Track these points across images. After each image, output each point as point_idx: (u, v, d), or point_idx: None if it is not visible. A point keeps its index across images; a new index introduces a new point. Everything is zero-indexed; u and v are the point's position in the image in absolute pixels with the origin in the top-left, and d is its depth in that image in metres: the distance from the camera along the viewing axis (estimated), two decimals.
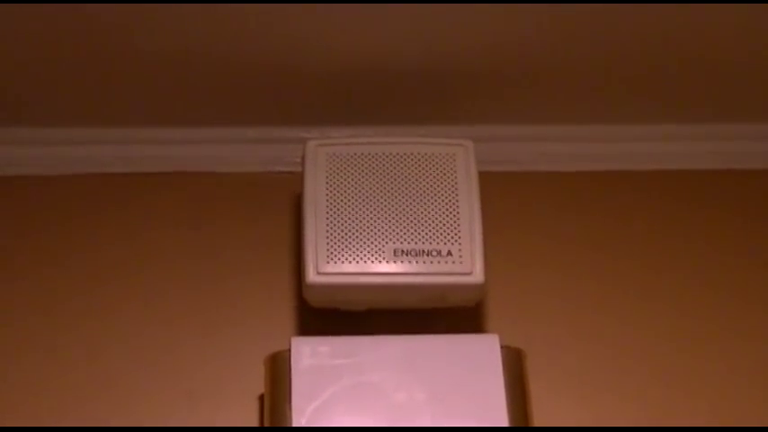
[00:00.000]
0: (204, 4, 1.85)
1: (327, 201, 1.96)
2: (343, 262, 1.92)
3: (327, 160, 1.99)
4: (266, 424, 1.87)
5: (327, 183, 1.97)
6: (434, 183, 1.98)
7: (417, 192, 1.98)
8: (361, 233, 1.94)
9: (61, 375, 2.01)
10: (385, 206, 1.96)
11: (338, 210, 1.95)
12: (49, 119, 2.13)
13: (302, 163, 2.00)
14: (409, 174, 1.99)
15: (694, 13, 1.92)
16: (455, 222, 1.96)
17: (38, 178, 2.15)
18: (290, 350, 1.87)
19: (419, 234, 1.95)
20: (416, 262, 1.93)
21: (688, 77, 2.09)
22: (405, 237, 1.94)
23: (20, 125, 2.14)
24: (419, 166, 2.00)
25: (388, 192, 1.97)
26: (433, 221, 1.95)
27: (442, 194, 1.98)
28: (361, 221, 1.95)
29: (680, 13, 1.92)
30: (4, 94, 2.06)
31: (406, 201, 1.97)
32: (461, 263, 1.93)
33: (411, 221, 1.95)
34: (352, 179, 1.98)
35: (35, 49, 1.96)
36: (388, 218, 1.95)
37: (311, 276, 1.92)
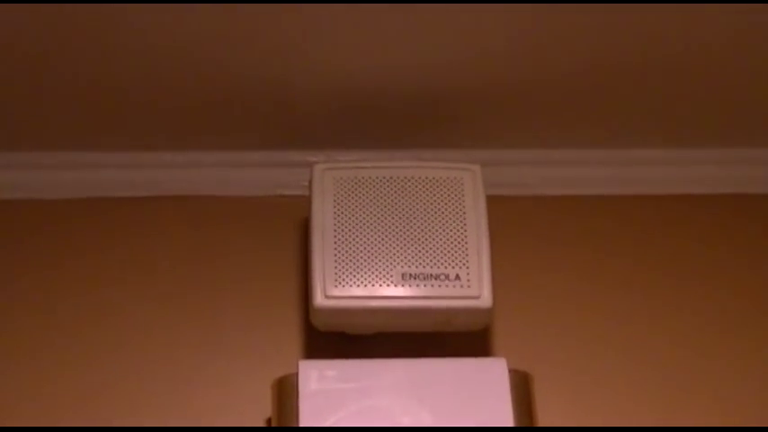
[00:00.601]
0: (210, 27, 1.86)
1: (335, 224, 1.96)
2: (350, 285, 1.92)
3: (335, 184, 1.99)
4: None
5: (335, 206, 1.97)
6: (442, 207, 1.98)
7: (425, 216, 1.97)
8: (368, 257, 1.94)
9: (64, 399, 2.01)
10: (393, 230, 1.96)
11: (346, 233, 1.95)
12: (52, 143, 2.13)
13: (309, 187, 2.00)
14: (417, 198, 1.99)
15: (707, 38, 1.93)
16: (463, 246, 1.95)
17: (39, 202, 2.15)
18: (297, 374, 1.86)
19: (427, 258, 1.94)
20: (424, 286, 1.93)
21: (697, 102, 2.09)
22: (412, 261, 1.94)
23: (17, 150, 2.14)
24: (427, 190, 1.99)
25: (396, 215, 1.97)
26: (441, 245, 1.95)
27: (450, 218, 1.97)
28: (368, 245, 1.95)
29: (692, 39, 1.92)
30: (5, 117, 2.06)
31: (414, 224, 1.96)
32: (469, 287, 1.93)
33: (419, 245, 1.95)
34: (360, 203, 1.98)
35: (32, 72, 1.95)
36: (395, 241, 1.95)
37: (319, 300, 1.91)
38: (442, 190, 2.00)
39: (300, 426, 1.82)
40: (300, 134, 2.14)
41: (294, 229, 2.14)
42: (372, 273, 1.93)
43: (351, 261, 1.93)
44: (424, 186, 2.00)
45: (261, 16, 1.84)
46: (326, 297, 1.91)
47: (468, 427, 1.82)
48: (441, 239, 1.96)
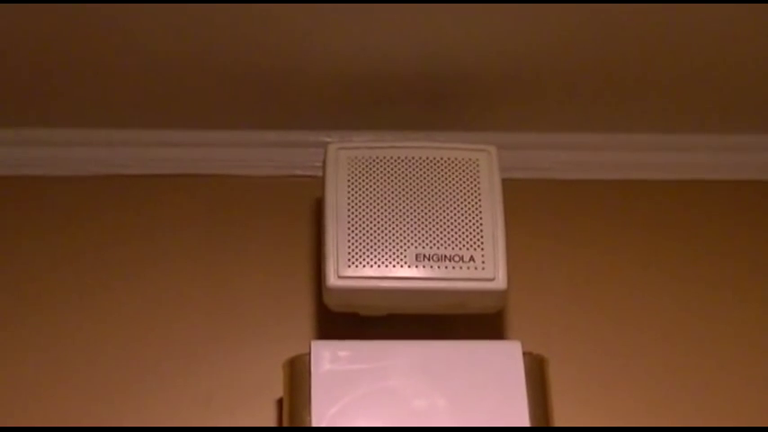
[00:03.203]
0: (226, 5, 1.85)
1: (349, 204, 1.94)
2: (364, 266, 1.91)
3: (349, 164, 1.98)
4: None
5: (349, 186, 1.96)
6: (457, 188, 1.97)
7: (440, 197, 1.96)
8: (382, 237, 1.92)
9: (76, 378, 2.00)
10: (407, 210, 1.94)
11: (359, 213, 1.94)
12: (62, 120, 2.13)
13: (323, 167, 1.99)
14: (432, 178, 1.97)
15: (720, 25, 1.91)
16: (478, 228, 1.94)
17: (53, 179, 2.14)
18: (309, 354, 1.85)
19: (441, 239, 1.93)
20: (438, 267, 1.91)
21: (713, 86, 2.07)
22: (427, 241, 1.93)
23: (30, 126, 2.13)
24: (442, 170, 1.98)
25: (411, 196, 1.96)
26: (456, 227, 1.94)
27: (465, 200, 1.96)
28: (382, 225, 1.93)
29: (707, 24, 1.91)
30: (20, 94, 2.05)
31: (429, 205, 1.95)
32: (484, 269, 1.92)
33: (433, 226, 1.94)
34: (374, 183, 1.96)
35: (49, 50, 1.95)
36: (409, 222, 1.94)
37: (332, 280, 1.90)
38: (457, 171, 1.98)
39: (312, 406, 1.81)
40: (315, 114, 2.13)
41: (308, 209, 2.13)
42: (386, 253, 1.91)
43: (364, 241, 1.92)
44: (439, 167, 1.98)
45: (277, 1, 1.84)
46: (339, 277, 1.90)
47: (480, 428, 1.81)
48: (455, 221, 1.94)
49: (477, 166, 1.99)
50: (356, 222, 1.93)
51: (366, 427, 1.80)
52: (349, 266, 1.91)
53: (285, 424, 1.85)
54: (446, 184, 1.97)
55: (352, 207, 1.94)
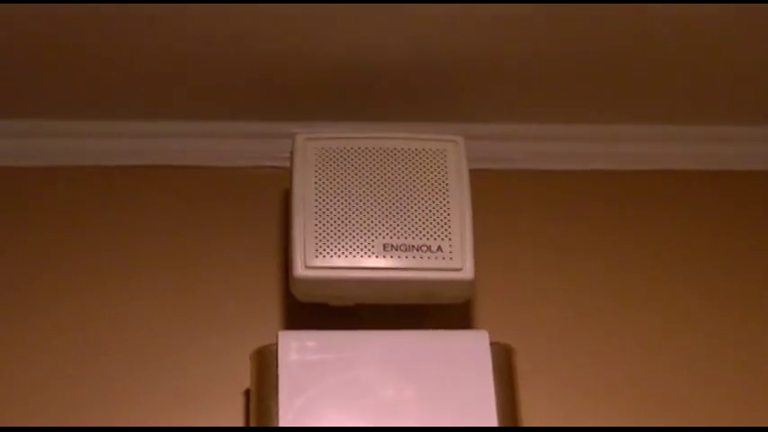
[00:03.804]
0: (196, 3, 1.84)
1: (316, 195, 1.94)
2: (331, 256, 1.90)
3: (316, 155, 1.98)
4: (252, 419, 1.85)
5: (316, 177, 1.96)
6: (425, 178, 1.97)
7: (407, 187, 1.96)
8: (350, 227, 1.92)
9: (47, 373, 1.99)
10: (375, 201, 1.94)
11: (327, 204, 1.94)
12: (39, 111, 2.11)
13: (291, 157, 1.99)
14: (399, 169, 1.97)
15: (689, 12, 1.91)
16: (445, 218, 1.94)
17: (23, 170, 2.13)
18: (277, 344, 1.85)
19: (409, 229, 1.93)
20: (406, 257, 1.91)
21: (682, 77, 2.09)
22: (394, 231, 1.93)
23: (8, 117, 2.12)
24: (409, 161, 1.98)
25: (378, 186, 1.96)
26: (424, 217, 1.94)
27: (433, 190, 1.96)
28: (350, 216, 1.93)
29: (675, 13, 1.91)
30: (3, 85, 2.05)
31: (397, 196, 1.95)
32: (451, 258, 1.92)
33: (401, 216, 1.94)
34: (342, 174, 1.96)
35: (31, 43, 1.94)
36: (377, 212, 1.94)
37: (299, 270, 1.90)
38: (424, 161, 1.98)
39: (280, 397, 1.80)
40: (283, 105, 2.13)
41: (276, 200, 2.13)
42: (354, 243, 1.91)
43: (332, 231, 1.92)
44: (406, 157, 1.98)
45: None
46: (307, 267, 1.90)
47: (458, 428, 1.81)
48: (423, 211, 1.94)
49: (445, 156, 1.99)
50: (324, 213, 1.93)
51: (341, 428, 1.79)
52: (317, 257, 1.90)
53: (252, 414, 1.85)
54: (414, 175, 1.97)
55: (320, 197, 1.94)
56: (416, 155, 1.99)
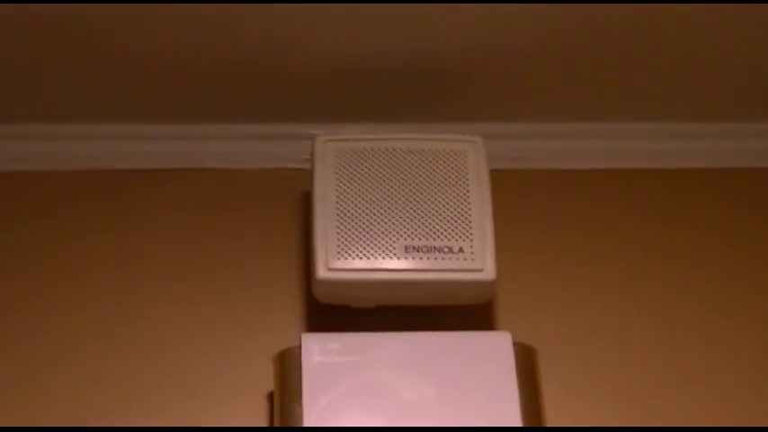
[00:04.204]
0: (213, 3, 1.85)
1: (337, 197, 1.94)
2: (353, 258, 1.91)
3: (337, 156, 1.98)
4: (276, 421, 1.86)
5: (337, 179, 1.96)
6: (445, 179, 1.97)
7: (428, 188, 1.96)
8: (371, 229, 1.92)
9: (63, 373, 1.99)
10: (395, 202, 1.95)
11: (348, 206, 1.94)
12: (50, 114, 2.12)
13: (311, 159, 1.99)
14: (420, 170, 1.97)
15: (709, 11, 1.91)
16: (466, 219, 1.94)
17: (42, 174, 2.14)
18: (300, 347, 1.85)
19: (430, 230, 1.93)
20: (427, 258, 1.91)
21: (706, 74, 2.08)
22: (415, 233, 1.93)
23: (14, 122, 2.13)
24: (430, 162, 1.98)
25: (399, 188, 1.96)
26: (444, 218, 1.94)
27: (453, 191, 1.96)
28: (371, 217, 1.93)
29: (696, 11, 1.91)
30: (9, 89, 2.05)
31: (417, 197, 1.95)
32: (473, 259, 1.92)
33: (422, 218, 1.94)
34: (362, 175, 1.96)
35: (40, 45, 1.94)
36: (398, 214, 1.94)
37: (321, 272, 1.90)
38: (444, 162, 1.98)
39: (303, 398, 1.81)
40: (303, 107, 2.13)
41: (296, 202, 2.13)
42: (375, 245, 1.91)
43: (353, 233, 1.92)
44: (426, 158, 1.98)
45: None
46: (329, 269, 1.90)
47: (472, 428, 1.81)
48: (444, 212, 1.94)
49: (465, 157, 1.99)
50: (345, 214, 1.93)
51: (359, 428, 1.80)
52: (338, 258, 1.91)
53: (276, 416, 1.86)
54: (434, 176, 1.97)
55: (341, 199, 1.94)
56: (436, 156, 1.99)
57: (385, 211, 1.94)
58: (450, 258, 1.92)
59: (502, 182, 2.07)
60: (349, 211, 1.93)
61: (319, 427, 1.79)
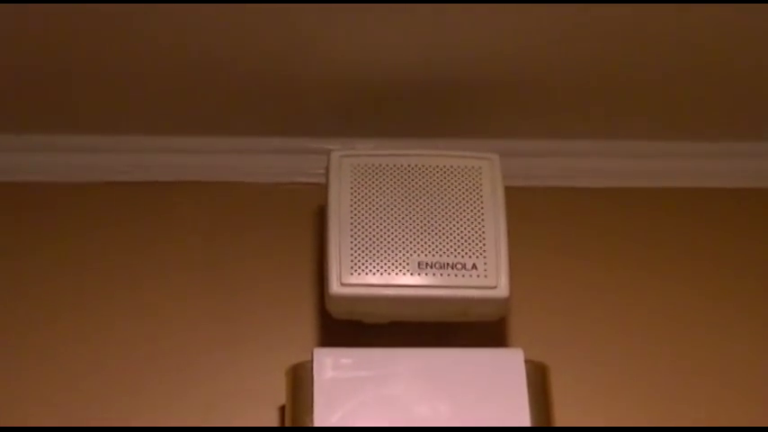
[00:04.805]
0: (229, 16, 1.85)
1: (351, 212, 1.95)
2: (366, 273, 1.91)
3: (352, 171, 1.98)
4: None
5: (352, 194, 1.96)
6: (460, 196, 1.97)
7: (442, 204, 1.96)
8: (385, 245, 1.93)
9: (78, 386, 2.00)
10: (409, 218, 1.95)
11: (362, 221, 1.94)
12: (64, 126, 2.12)
13: (326, 174, 1.99)
14: (434, 186, 1.97)
15: (722, 31, 1.91)
16: (480, 236, 1.94)
17: (56, 185, 2.14)
18: (312, 361, 1.85)
19: (444, 247, 1.93)
20: (441, 275, 1.91)
21: (722, 95, 2.08)
22: (429, 249, 1.93)
23: (39, 132, 2.13)
24: (445, 178, 1.98)
25: (413, 204, 1.96)
26: (458, 234, 1.94)
27: (468, 207, 1.96)
28: (385, 233, 1.93)
29: (710, 32, 1.91)
30: (20, 100, 2.05)
31: (431, 213, 1.95)
32: (486, 276, 1.92)
33: (436, 234, 1.94)
34: (377, 191, 1.97)
35: (50, 55, 1.95)
36: (412, 230, 1.94)
37: (334, 287, 1.90)
38: (459, 179, 1.98)
39: (315, 413, 1.81)
40: (318, 121, 2.13)
41: (310, 217, 2.13)
42: (388, 261, 1.91)
43: (367, 249, 1.92)
44: (441, 175, 1.98)
45: (284, 8, 1.84)
46: (342, 284, 1.90)
47: (477, 428, 1.81)
48: (458, 228, 1.94)
49: (480, 173, 1.99)
50: (359, 230, 1.93)
51: (365, 427, 1.80)
52: (352, 274, 1.91)
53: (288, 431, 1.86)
54: (449, 192, 1.97)
55: (355, 214, 1.95)
56: (452, 172, 1.99)
57: (399, 226, 1.94)
58: (463, 275, 1.92)
59: (517, 199, 2.07)
60: (363, 227, 1.94)
61: (324, 428, 1.79)
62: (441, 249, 1.93)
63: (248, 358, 2.02)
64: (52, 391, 1.99)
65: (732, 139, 2.19)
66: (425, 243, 1.93)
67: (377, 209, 1.95)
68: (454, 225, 1.95)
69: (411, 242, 1.93)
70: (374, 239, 1.93)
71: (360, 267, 1.91)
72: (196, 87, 2.03)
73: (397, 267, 1.91)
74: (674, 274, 2.14)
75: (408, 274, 1.91)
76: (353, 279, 1.90)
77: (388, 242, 1.93)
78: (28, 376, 2.00)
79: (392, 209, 1.95)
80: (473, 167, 1.99)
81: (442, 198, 1.97)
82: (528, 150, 2.19)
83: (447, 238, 1.94)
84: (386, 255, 1.92)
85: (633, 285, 2.12)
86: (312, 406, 1.82)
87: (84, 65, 1.97)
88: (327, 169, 1.99)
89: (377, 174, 1.98)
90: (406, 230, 1.94)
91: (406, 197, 1.96)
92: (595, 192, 2.20)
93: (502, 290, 1.92)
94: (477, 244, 1.94)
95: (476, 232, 1.94)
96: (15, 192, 2.13)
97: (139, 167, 2.16)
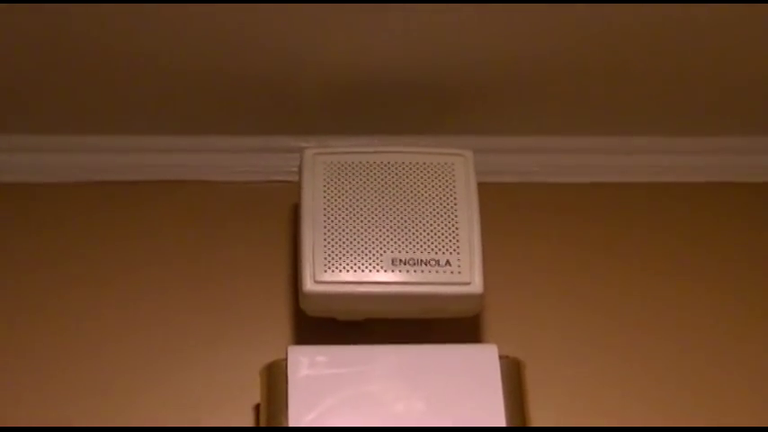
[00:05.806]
0: (205, 18, 1.85)
1: (325, 209, 1.94)
2: (340, 271, 1.91)
3: (325, 169, 1.98)
4: None
5: (325, 191, 1.96)
6: (433, 192, 1.97)
7: (416, 201, 1.96)
8: (358, 242, 1.92)
9: (48, 383, 1.99)
10: (383, 215, 1.95)
11: (336, 219, 1.94)
12: (46, 126, 2.12)
13: (299, 172, 1.99)
14: (408, 183, 1.97)
15: (696, 23, 1.92)
16: (454, 232, 1.94)
17: (35, 186, 2.14)
18: (286, 359, 1.85)
19: (417, 243, 1.93)
20: (414, 271, 1.91)
21: (687, 89, 2.08)
22: (403, 246, 1.93)
23: (16, 132, 2.13)
24: (418, 175, 1.98)
25: (387, 201, 1.96)
26: (432, 231, 1.94)
27: (441, 204, 1.96)
28: (358, 230, 1.93)
29: (680, 24, 1.92)
30: (3, 99, 2.05)
31: (405, 210, 1.95)
32: (460, 273, 1.92)
33: (409, 231, 1.94)
34: (350, 188, 1.96)
35: (33, 56, 1.95)
36: (386, 227, 1.94)
37: (308, 285, 1.90)
38: (433, 175, 1.98)
39: (289, 412, 1.81)
40: (292, 120, 2.13)
41: (285, 215, 2.13)
42: (362, 258, 1.91)
43: (340, 246, 1.92)
44: (415, 172, 1.98)
45: (255, 8, 1.84)
46: (316, 282, 1.90)
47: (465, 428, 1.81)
48: (431, 225, 1.94)
49: (453, 170, 1.99)
50: (333, 227, 1.93)
51: (340, 428, 1.80)
52: (325, 271, 1.91)
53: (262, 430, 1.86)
54: (422, 189, 1.97)
55: (329, 212, 1.94)
56: (425, 169, 1.99)
57: (373, 223, 1.94)
58: (437, 272, 1.92)
59: (490, 195, 2.07)
60: (337, 224, 1.93)
61: (299, 427, 1.79)
62: (414, 246, 1.93)
63: (223, 356, 2.01)
64: (21, 388, 1.99)
65: (714, 134, 2.20)
66: (399, 240, 1.93)
67: (350, 206, 1.95)
68: (428, 222, 1.95)
69: (385, 239, 1.93)
70: (348, 237, 1.93)
71: (333, 265, 1.91)
72: (171, 88, 2.03)
73: (370, 264, 1.91)
74: (650, 267, 2.14)
75: (382, 270, 1.91)
76: (327, 277, 1.90)
77: (362, 239, 1.93)
78: (6, 373, 2.00)
79: (365, 206, 1.95)
80: (446, 164, 2.00)
81: (415, 195, 1.96)
82: (501, 147, 2.19)
83: (421, 234, 1.94)
84: (359, 252, 1.92)
85: (610, 281, 2.12)
86: (287, 405, 1.82)
87: (61, 66, 1.97)
88: (301, 167, 1.99)
89: (350, 171, 1.98)
90: (380, 227, 1.94)
91: (379, 194, 1.96)
92: (569, 187, 2.20)
93: (476, 286, 1.92)
94: (450, 240, 1.94)
95: (449, 229, 1.94)
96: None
97: (116, 167, 2.15)
